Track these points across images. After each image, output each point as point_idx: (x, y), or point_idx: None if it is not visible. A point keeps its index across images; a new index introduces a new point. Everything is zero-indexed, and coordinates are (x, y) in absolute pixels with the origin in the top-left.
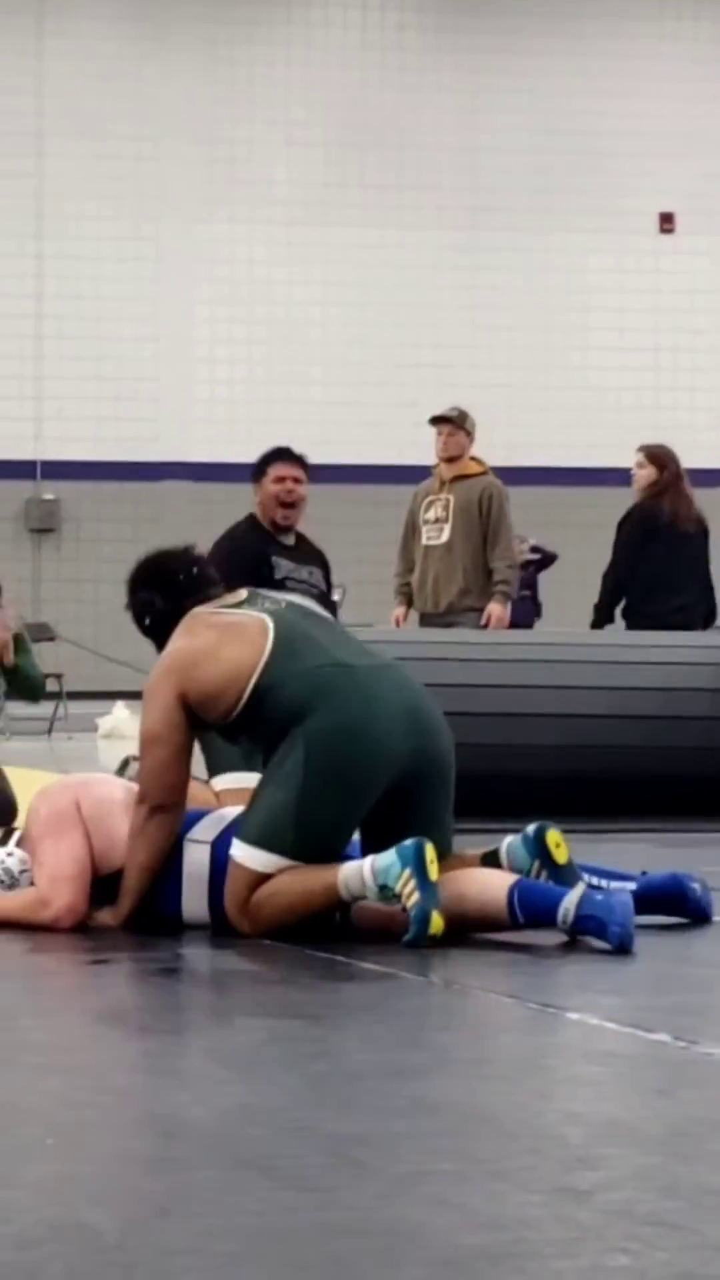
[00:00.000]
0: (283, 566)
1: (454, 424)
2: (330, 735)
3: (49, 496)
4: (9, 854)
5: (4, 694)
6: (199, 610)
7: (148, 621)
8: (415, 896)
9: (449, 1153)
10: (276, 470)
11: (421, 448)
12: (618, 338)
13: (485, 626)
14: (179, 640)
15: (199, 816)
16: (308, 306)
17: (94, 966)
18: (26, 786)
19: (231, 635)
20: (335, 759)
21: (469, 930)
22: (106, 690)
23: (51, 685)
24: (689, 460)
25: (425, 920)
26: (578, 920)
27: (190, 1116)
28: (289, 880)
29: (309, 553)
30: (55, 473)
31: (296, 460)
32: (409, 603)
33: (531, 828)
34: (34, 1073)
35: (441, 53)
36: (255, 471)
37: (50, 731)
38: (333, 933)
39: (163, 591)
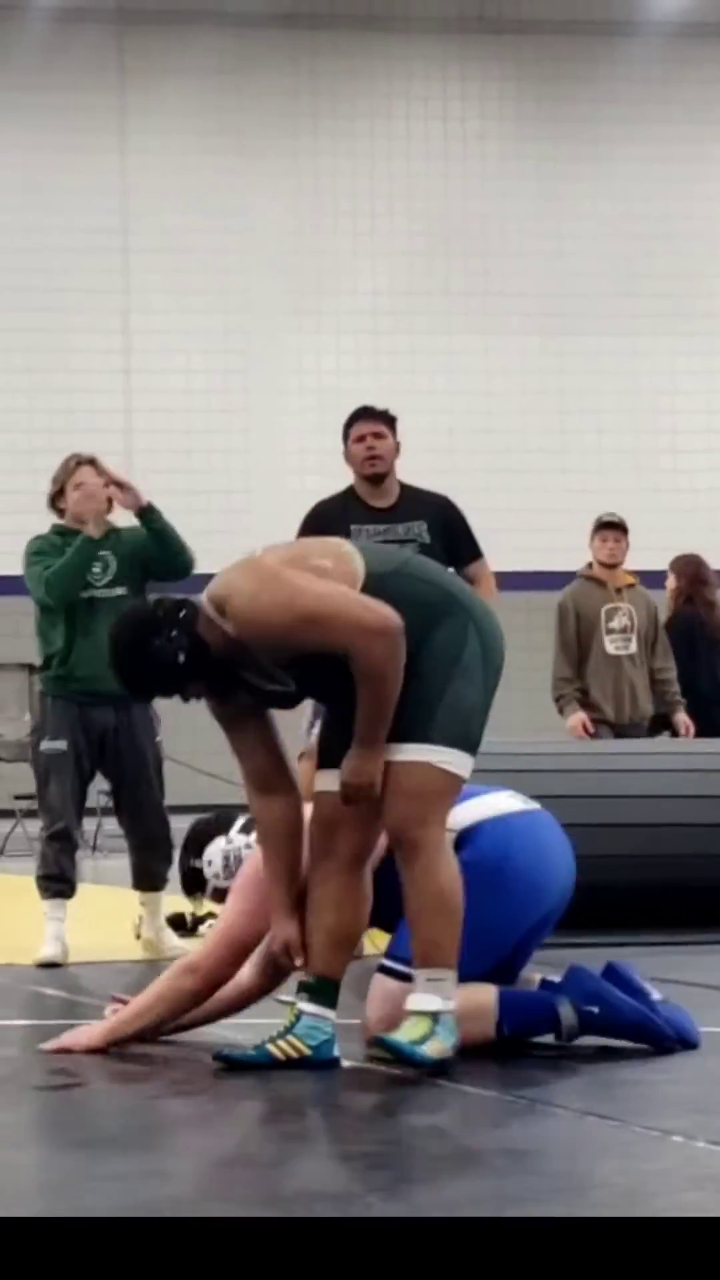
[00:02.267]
0: (364, 532)
1: (621, 530)
2: (493, 629)
3: None
4: (237, 842)
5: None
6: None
7: (181, 659)
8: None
9: None
10: (357, 430)
11: (516, 554)
12: (707, 439)
13: (679, 734)
14: (261, 559)
15: None
16: (399, 416)
17: None
18: (111, 904)
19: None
20: (497, 656)
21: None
22: (201, 804)
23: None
24: None
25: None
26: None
27: None
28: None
29: (412, 507)
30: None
31: (375, 416)
32: (585, 708)
33: None
34: None
35: (523, 159)
36: (343, 436)
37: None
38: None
39: (166, 628)
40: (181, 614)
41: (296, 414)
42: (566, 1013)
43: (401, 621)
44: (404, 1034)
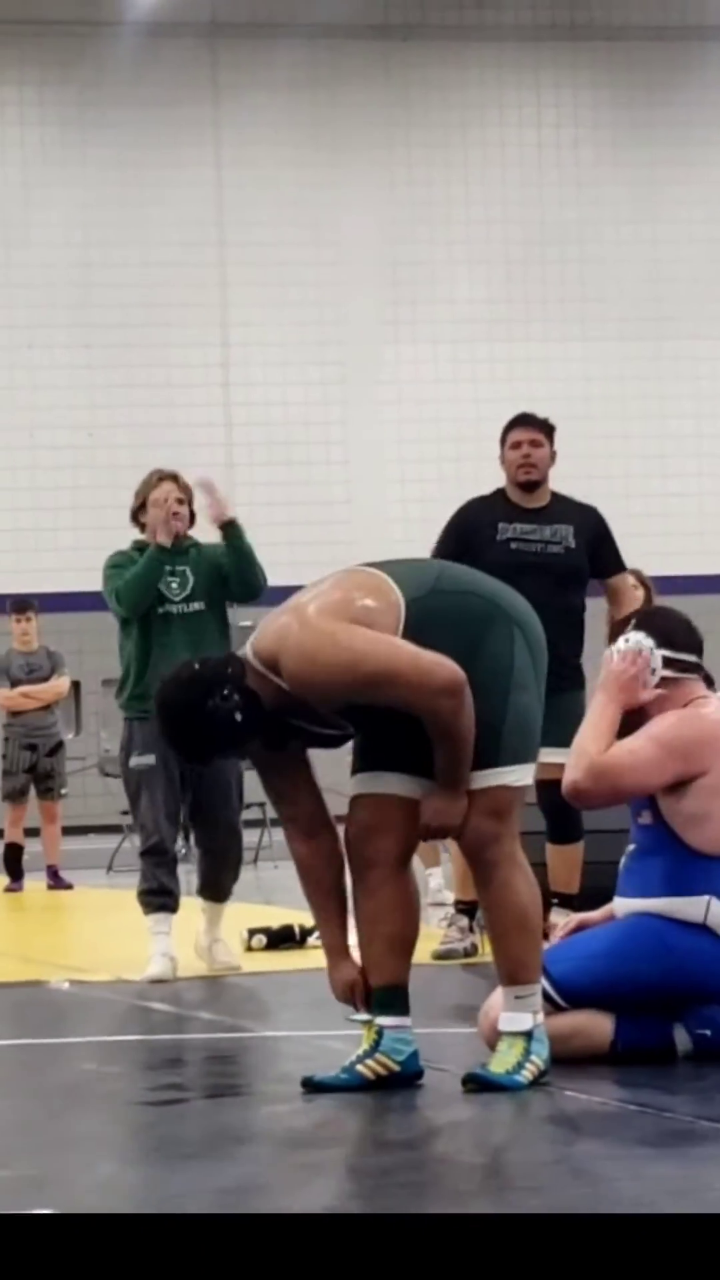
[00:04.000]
0: (511, 529)
1: None
2: (536, 630)
3: (246, 623)
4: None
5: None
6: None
7: (239, 718)
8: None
9: None
10: (514, 436)
11: (629, 558)
12: None
13: None
14: (309, 615)
15: None
16: (496, 423)
17: None
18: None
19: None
20: (542, 656)
21: None
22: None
23: (255, 814)
24: None
25: None
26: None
27: None
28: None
29: (562, 511)
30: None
31: (534, 424)
32: None
33: None
34: None
35: (616, 165)
36: (500, 440)
37: (256, 860)
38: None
39: (217, 687)
40: (229, 670)
41: (394, 424)
42: (680, 1036)
43: (463, 674)
44: (498, 1065)
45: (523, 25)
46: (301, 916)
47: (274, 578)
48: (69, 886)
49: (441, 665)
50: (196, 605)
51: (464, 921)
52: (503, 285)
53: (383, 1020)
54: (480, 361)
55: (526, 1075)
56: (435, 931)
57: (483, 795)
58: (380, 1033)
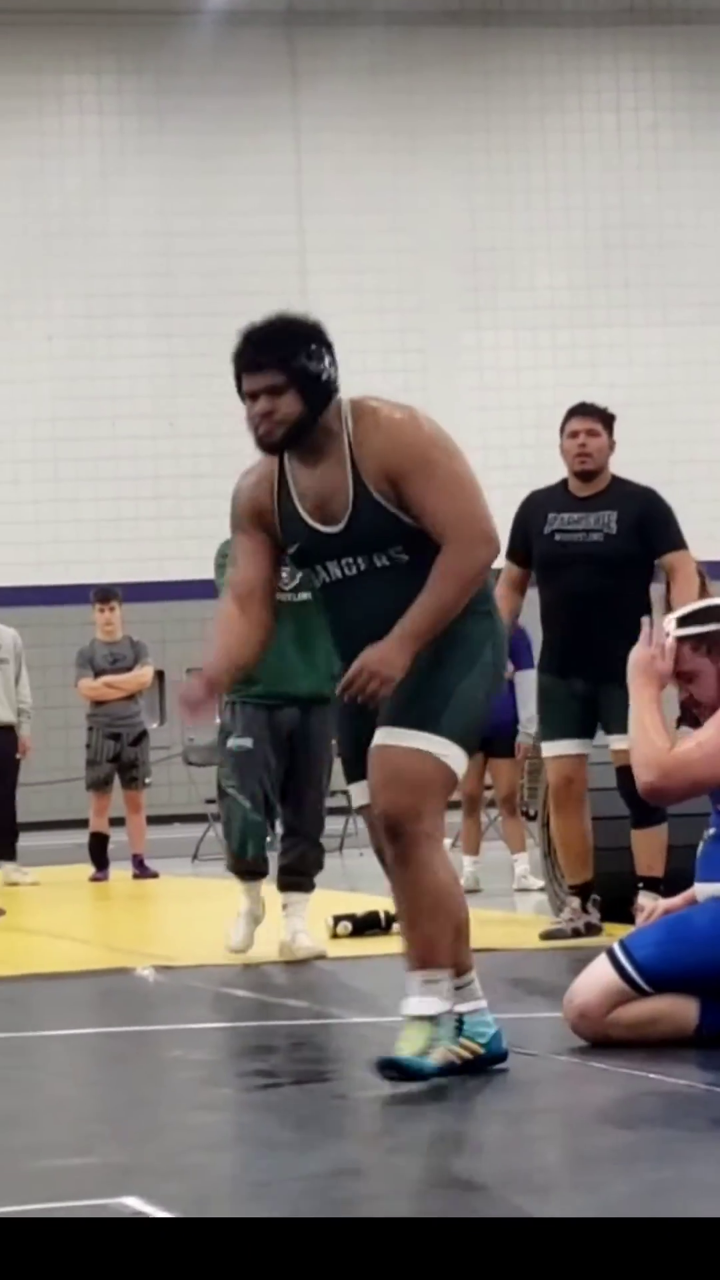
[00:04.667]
0: (558, 520)
1: None
2: (504, 642)
3: None
4: None
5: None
6: None
7: (324, 379)
8: None
9: None
10: (571, 425)
11: (698, 543)
12: None
13: None
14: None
15: None
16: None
17: None
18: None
19: None
20: (502, 669)
21: None
22: None
23: (339, 800)
24: None
25: None
26: None
27: None
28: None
29: (613, 498)
30: None
31: (591, 413)
32: None
33: None
34: None
35: (696, 149)
36: (560, 429)
37: (342, 848)
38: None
39: (330, 348)
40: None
41: (476, 410)
42: None
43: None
44: (406, 1048)
45: (601, 10)
46: (386, 903)
47: None
48: (154, 875)
49: (493, 525)
50: (305, 595)
51: (575, 903)
52: (582, 270)
53: (461, 1007)
54: (561, 347)
55: (436, 1058)
56: (521, 916)
57: (409, 758)
58: (460, 1019)
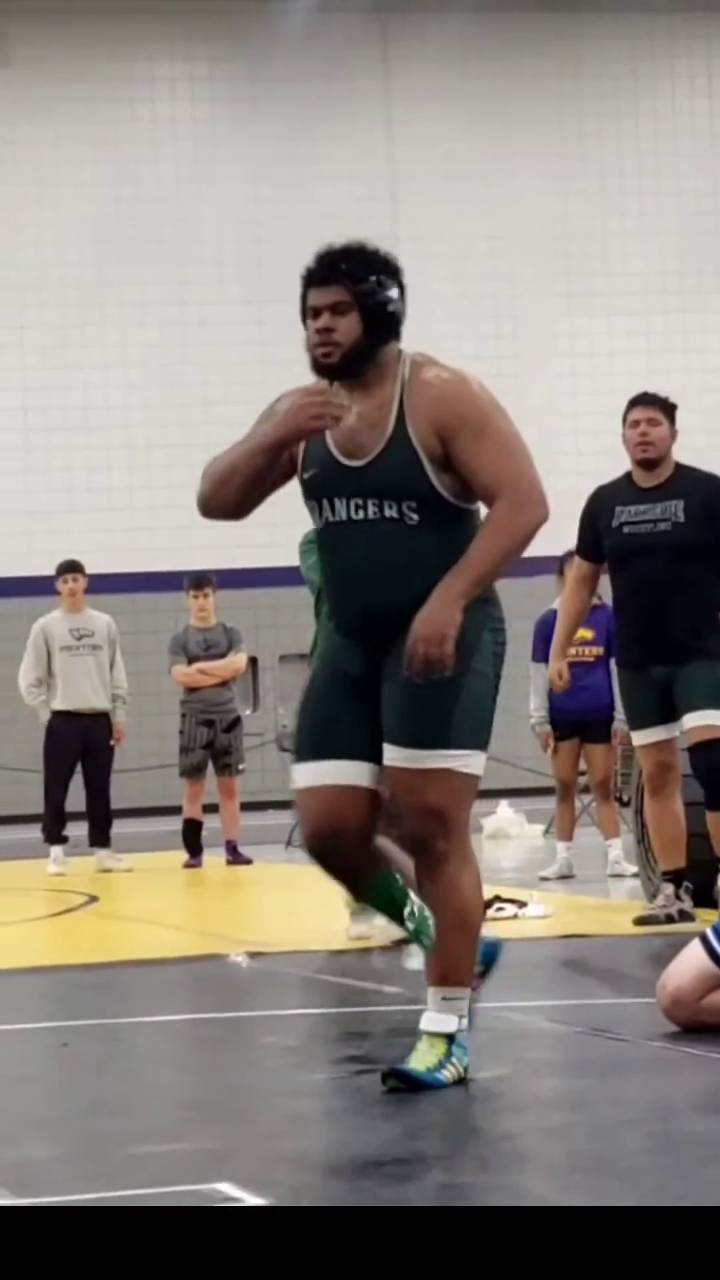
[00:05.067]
0: (625, 513)
1: None
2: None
3: None
4: None
5: None
6: None
7: (389, 309)
8: None
9: None
10: (633, 415)
11: None
12: None
13: None
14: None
15: None
16: (670, 396)
17: None
18: None
19: None
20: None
21: None
22: (489, 789)
23: None
24: None
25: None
26: None
27: None
28: None
29: (678, 487)
30: None
31: (652, 403)
32: None
33: None
34: None
35: None
36: (622, 419)
37: None
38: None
39: (401, 295)
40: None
41: (569, 396)
42: None
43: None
44: (418, 1062)
45: None
46: (498, 887)
47: None
48: (248, 861)
49: (544, 490)
50: None
51: (669, 889)
52: (676, 256)
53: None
54: (653, 333)
55: (447, 1075)
56: (615, 902)
57: (429, 779)
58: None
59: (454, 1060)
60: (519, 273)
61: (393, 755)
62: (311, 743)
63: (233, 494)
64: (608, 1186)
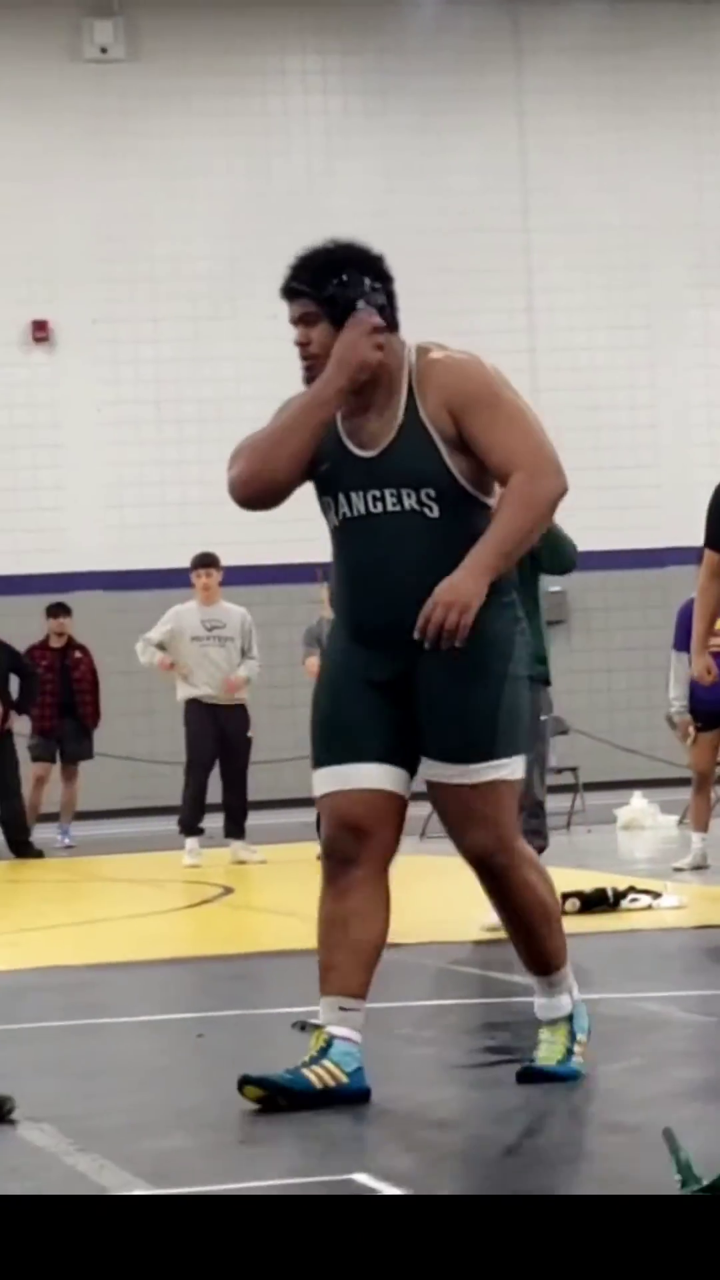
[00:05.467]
0: None
1: None
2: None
3: (556, 588)
4: None
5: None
6: None
7: (372, 303)
8: None
9: None
10: None
11: None
12: None
13: None
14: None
15: None
16: None
17: None
18: None
19: None
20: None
21: None
22: (622, 780)
23: (567, 778)
24: None
25: None
26: None
27: None
28: None
29: None
30: None
31: None
32: None
33: None
34: None
35: None
36: None
37: (569, 825)
38: None
39: (377, 289)
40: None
41: (702, 387)
42: None
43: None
44: (547, 1055)
45: None
46: (614, 879)
47: (583, 543)
48: None
49: (559, 461)
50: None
51: None
52: None
53: (336, 1030)
54: None
55: (578, 1062)
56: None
57: (479, 792)
58: (329, 1040)
59: (579, 1038)
60: (651, 266)
61: (439, 771)
62: (336, 747)
63: (285, 461)
64: None
